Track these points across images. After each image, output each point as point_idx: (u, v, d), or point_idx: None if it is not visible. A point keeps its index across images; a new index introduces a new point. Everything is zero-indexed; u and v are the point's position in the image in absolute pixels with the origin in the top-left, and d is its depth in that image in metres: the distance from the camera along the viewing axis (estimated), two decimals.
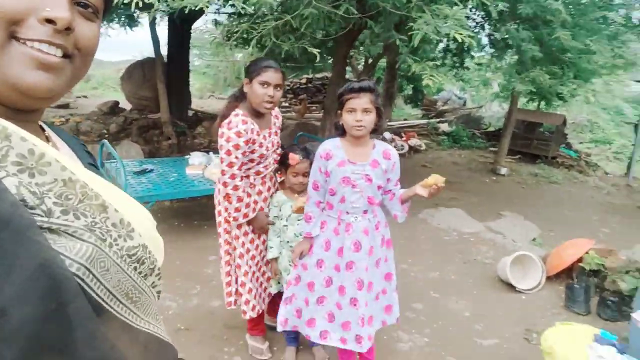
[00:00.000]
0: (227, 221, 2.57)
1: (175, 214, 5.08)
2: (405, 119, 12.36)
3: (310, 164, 2.38)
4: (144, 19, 7.08)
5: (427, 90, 15.74)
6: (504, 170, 8.37)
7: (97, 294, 0.56)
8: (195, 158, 4.88)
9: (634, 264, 3.54)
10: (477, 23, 6.11)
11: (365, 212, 2.28)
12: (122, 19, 6.33)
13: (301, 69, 10.19)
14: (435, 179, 2.08)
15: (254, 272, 2.62)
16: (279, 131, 2.60)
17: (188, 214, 5.08)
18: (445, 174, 7.12)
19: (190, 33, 7.55)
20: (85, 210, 0.58)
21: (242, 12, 4.77)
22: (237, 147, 2.29)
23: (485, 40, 6.67)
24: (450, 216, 5.44)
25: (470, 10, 6.73)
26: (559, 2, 3.55)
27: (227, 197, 2.37)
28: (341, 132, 2.27)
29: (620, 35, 4.38)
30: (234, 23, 6.43)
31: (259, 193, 2.53)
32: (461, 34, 3.17)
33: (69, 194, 0.57)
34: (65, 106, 9.55)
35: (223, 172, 2.33)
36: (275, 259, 2.60)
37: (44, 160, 0.56)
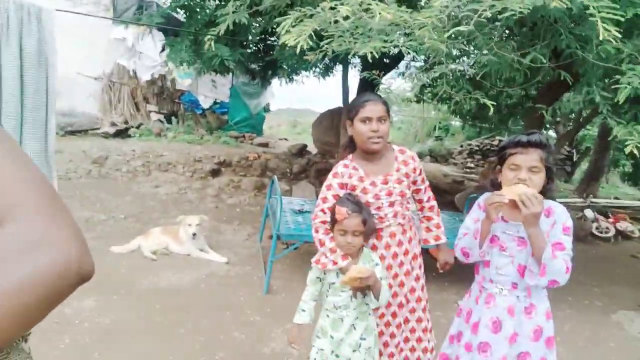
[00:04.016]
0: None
1: None
2: (616, 198, 10.48)
3: (363, 221, 1.99)
4: (339, 71, 7.49)
5: None
6: None
7: None
8: None
9: None
10: None
11: (514, 285, 1.84)
12: (318, 70, 6.78)
13: (493, 130, 9.56)
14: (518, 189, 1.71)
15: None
16: (405, 179, 2.24)
17: None
18: None
19: (378, 85, 7.72)
20: None
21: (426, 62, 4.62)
22: (329, 187, 2.18)
23: None
24: None
25: None
26: None
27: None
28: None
29: None
30: (424, 76, 6.34)
31: (373, 247, 2.22)
32: None
33: None
34: (265, 145, 10.60)
35: None
36: (305, 325, 2.12)
37: None
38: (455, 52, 3.62)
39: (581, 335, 3.86)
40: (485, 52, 2.94)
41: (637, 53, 2.71)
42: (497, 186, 1.89)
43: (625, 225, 8.15)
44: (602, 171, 10.09)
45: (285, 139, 13.32)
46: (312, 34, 2.88)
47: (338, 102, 8.68)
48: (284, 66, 6.51)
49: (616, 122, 2.91)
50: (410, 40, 2.86)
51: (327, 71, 6.97)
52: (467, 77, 3.61)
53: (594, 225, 7.80)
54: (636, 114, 3.40)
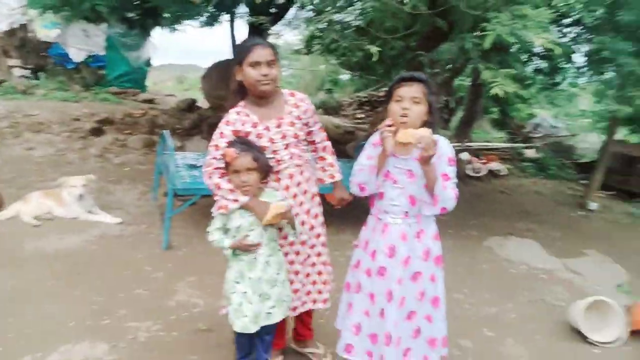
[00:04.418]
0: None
1: None
2: (487, 141, 11.63)
3: (254, 158, 2.06)
4: (225, 21, 7.21)
5: (516, 114, 14.78)
6: (593, 206, 7.49)
7: None
8: None
9: None
10: (571, 38, 5.52)
11: (406, 214, 2.02)
12: (203, 19, 6.45)
13: (379, 81, 9.96)
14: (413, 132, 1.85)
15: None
16: (297, 121, 2.28)
17: None
18: (526, 203, 6.47)
19: (268, 34, 7.61)
20: None
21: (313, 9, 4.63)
22: (221, 134, 2.16)
23: (580, 60, 6.03)
24: (522, 248, 4.86)
25: (566, 26, 6.11)
26: None
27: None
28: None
29: None
30: (310, 28, 6.34)
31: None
32: (544, 38, 2.75)
33: None
34: (150, 101, 9.99)
35: None
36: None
37: None
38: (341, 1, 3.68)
39: (461, 262, 4.35)
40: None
41: (500, 2, 2.98)
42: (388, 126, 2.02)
43: (495, 165, 9.12)
44: (475, 117, 11.05)
45: (173, 95, 12.67)
46: None
47: (225, 57, 8.42)
48: (166, 14, 6.12)
49: (485, 67, 3.22)
50: None
51: (212, 20, 6.65)
52: (354, 27, 3.70)
53: (469, 166, 8.62)
54: (501, 60, 3.78)
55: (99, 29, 9.21)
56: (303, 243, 2.37)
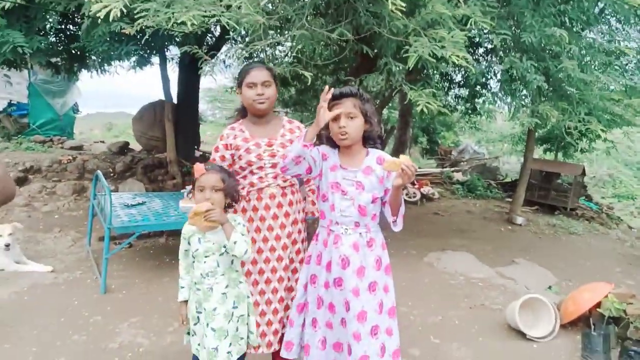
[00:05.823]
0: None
1: (168, 251, 4.87)
2: (419, 167, 12.17)
3: (222, 178, 2.04)
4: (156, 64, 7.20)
5: (442, 141, 15.65)
6: (520, 220, 8.00)
7: None
8: None
9: None
10: (485, 65, 6.03)
11: (357, 224, 2.06)
12: (133, 58, 6.40)
13: (312, 117, 10.27)
14: (399, 160, 1.82)
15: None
16: (289, 144, 2.30)
17: None
18: (459, 221, 6.78)
19: (199, 75, 7.69)
20: None
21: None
22: (216, 149, 2.34)
23: (495, 86, 6.59)
24: (458, 260, 5.10)
25: (481, 57, 6.68)
26: (564, 31, 3.40)
27: None
28: (331, 145, 2.11)
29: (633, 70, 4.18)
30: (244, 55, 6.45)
31: (254, 209, 2.31)
32: (458, 56, 3.02)
33: None
34: (79, 148, 9.63)
35: None
36: (185, 302, 2.16)
37: None
38: (272, 33, 3.84)
39: (404, 278, 4.49)
40: (298, 28, 3.20)
41: (420, 28, 3.25)
42: (330, 140, 2.09)
43: (427, 189, 9.54)
44: (405, 145, 11.59)
45: (102, 142, 12.28)
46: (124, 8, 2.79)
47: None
48: (93, 56, 6.02)
49: (410, 88, 3.46)
50: (230, 12, 2.97)
51: (142, 62, 6.61)
52: (286, 61, 3.87)
53: (404, 191, 8.96)
54: (424, 83, 4.08)
55: (20, 75, 8.86)
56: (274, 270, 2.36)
